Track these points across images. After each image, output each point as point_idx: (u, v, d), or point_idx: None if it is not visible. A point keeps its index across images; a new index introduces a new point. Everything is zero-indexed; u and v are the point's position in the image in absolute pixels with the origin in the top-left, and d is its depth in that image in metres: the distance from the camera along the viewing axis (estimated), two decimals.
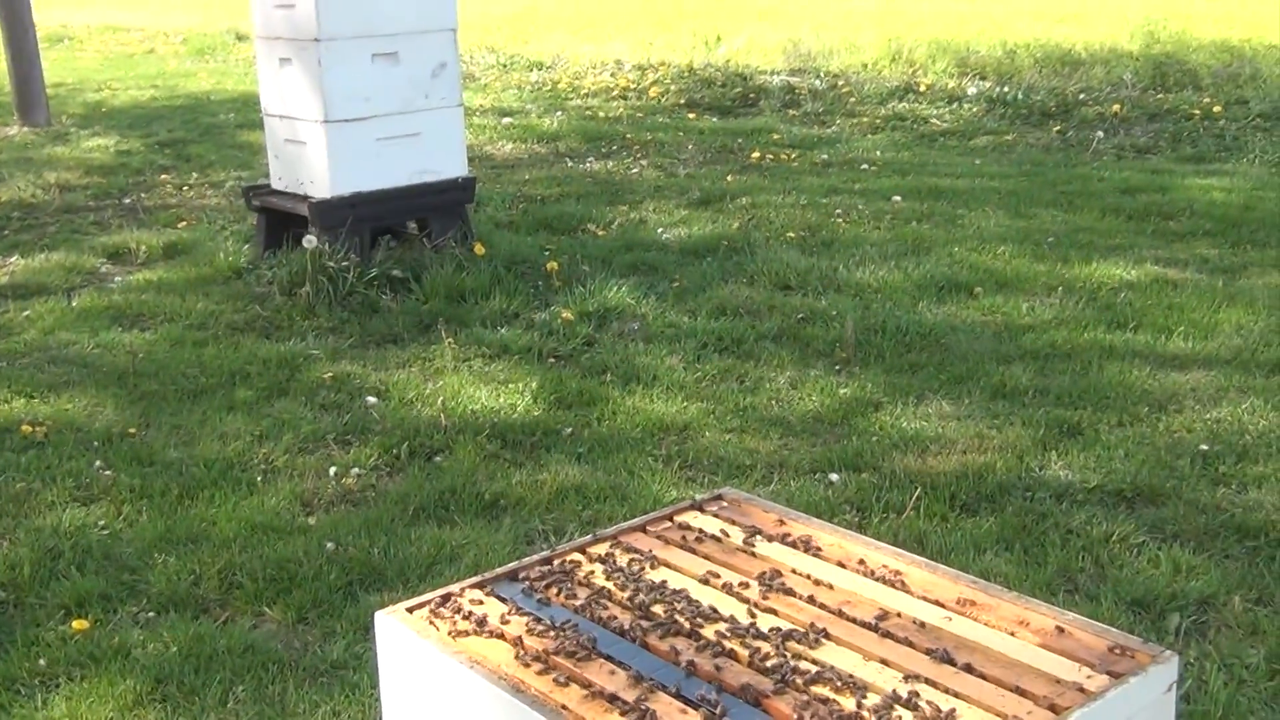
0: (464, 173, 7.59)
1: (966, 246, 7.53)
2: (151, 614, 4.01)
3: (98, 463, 4.99)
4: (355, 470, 4.90)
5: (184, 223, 9.03)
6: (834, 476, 4.64)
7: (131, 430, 5.38)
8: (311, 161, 7.17)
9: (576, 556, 2.12)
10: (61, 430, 5.39)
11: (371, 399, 5.54)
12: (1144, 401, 5.24)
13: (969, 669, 1.76)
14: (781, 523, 2.22)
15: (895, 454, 4.84)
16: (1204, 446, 4.79)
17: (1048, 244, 7.58)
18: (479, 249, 7.30)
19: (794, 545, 2.14)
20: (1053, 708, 1.67)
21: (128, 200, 9.90)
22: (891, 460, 4.78)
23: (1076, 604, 3.78)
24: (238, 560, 4.27)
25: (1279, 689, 3.42)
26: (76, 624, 3.91)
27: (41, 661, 3.75)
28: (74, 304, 7.20)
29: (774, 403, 5.44)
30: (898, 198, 8.80)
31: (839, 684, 1.72)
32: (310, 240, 6.90)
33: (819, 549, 2.12)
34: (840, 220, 8.28)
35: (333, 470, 4.93)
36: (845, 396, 5.44)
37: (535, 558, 2.14)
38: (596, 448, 5.04)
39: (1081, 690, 1.71)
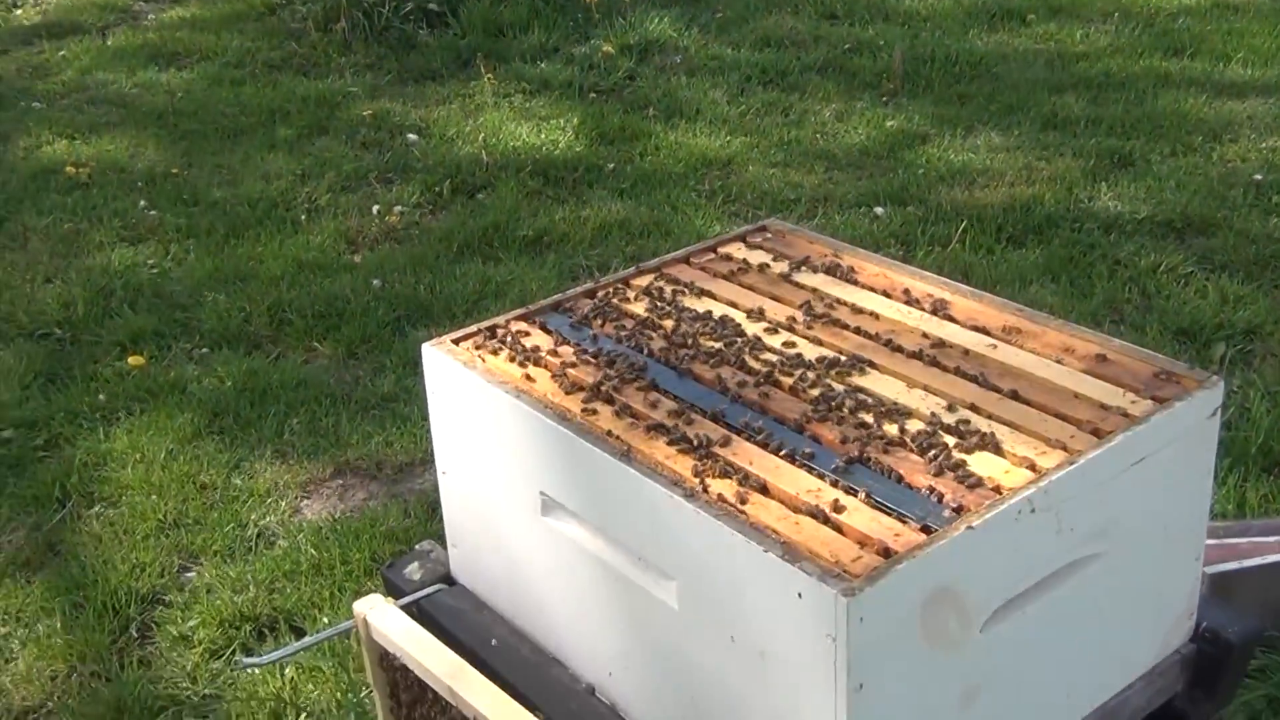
0: None
1: None
2: (205, 350, 4.09)
3: (142, 203, 5.01)
4: (398, 208, 4.90)
5: None
6: (879, 210, 4.60)
7: (174, 170, 5.38)
8: None
9: (621, 288, 2.12)
10: (105, 171, 5.39)
11: (412, 136, 5.49)
12: (1198, 131, 5.12)
13: (1014, 395, 1.76)
14: (826, 253, 2.20)
15: (942, 187, 4.78)
16: (1258, 176, 4.70)
17: None
18: None
19: (838, 275, 2.12)
20: (1096, 432, 1.68)
21: None
22: (938, 193, 4.73)
23: (1122, 334, 3.77)
24: (286, 297, 4.31)
25: None
26: (133, 360, 4.00)
27: (101, 396, 3.84)
28: (109, 42, 7.10)
29: (819, 136, 5.36)
30: None
31: (883, 410, 1.73)
32: None
33: (863, 279, 2.11)
34: None
35: (375, 209, 4.93)
36: (892, 129, 5.35)
37: (580, 289, 2.13)
38: (639, 183, 5.00)
39: (1125, 415, 1.71)
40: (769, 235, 2.31)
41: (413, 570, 2.16)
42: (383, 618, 2.00)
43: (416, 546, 2.21)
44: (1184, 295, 4.00)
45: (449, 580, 2.13)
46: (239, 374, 3.89)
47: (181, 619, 2.97)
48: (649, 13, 6.77)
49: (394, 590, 2.14)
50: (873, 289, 2.10)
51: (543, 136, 5.46)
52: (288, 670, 2.75)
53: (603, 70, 6.17)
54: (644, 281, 2.15)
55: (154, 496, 3.37)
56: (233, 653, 2.86)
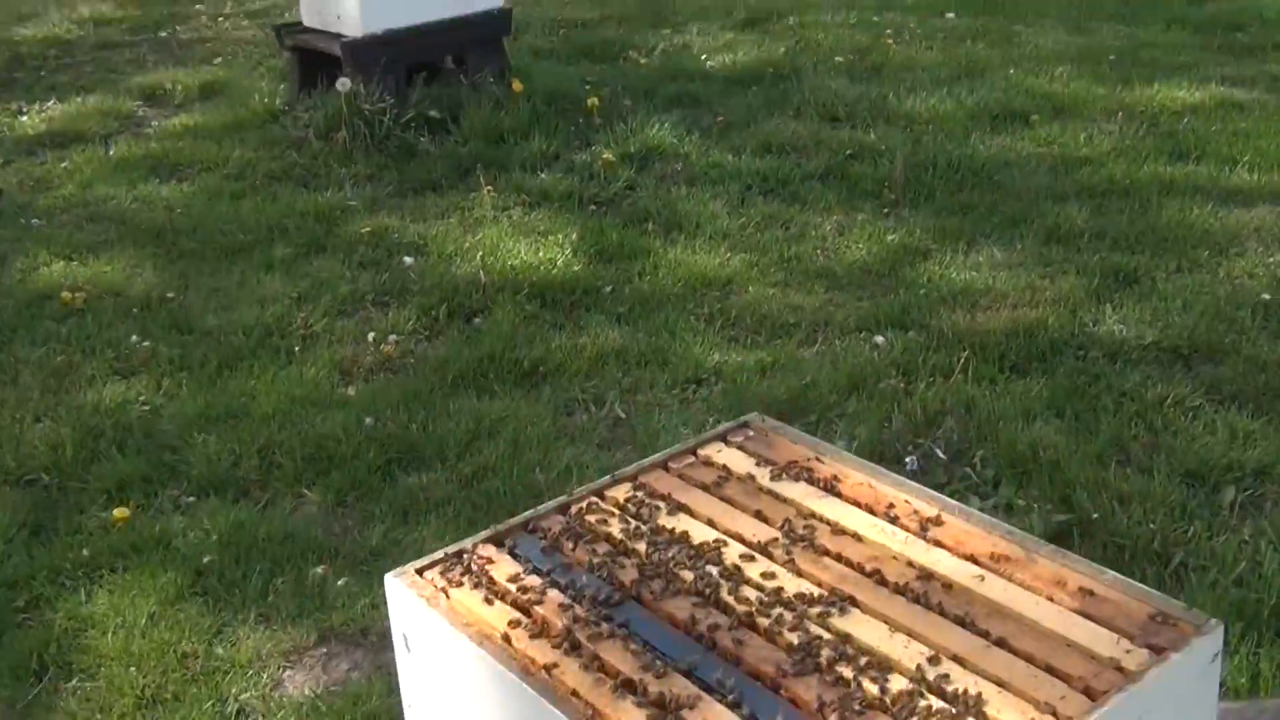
0: (500, 3, 7.32)
1: (1023, 68, 7.22)
2: (191, 498, 4.01)
3: (133, 337, 4.94)
4: (393, 337, 4.84)
5: (219, 58, 8.85)
6: (879, 339, 4.51)
7: (170, 294, 5.33)
8: None
9: (594, 501, 2.04)
10: (101, 296, 5.34)
11: (408, 259, 5.44)
12: (1204, 244, 5.04)
13: (1001, 643, 1.67)
14: (808, 457, 2.12)
15: (943, 309, 4.70)
16: (1266, 296, 4.61)
17: (1109, 62, 7.26)
18: (517, 85, 7.08)
19: (822, 486, 2.04)
20: (1088, 691, 1.59)
21: (163, 34, 9.70)
22: (939, 317, 4.65)
23: (1129, 477, 3.68)
24: (277, 438, 4.24)
25: None
26: (118, 513, 3.91)
27: (85, 552, 3.76)
28: (111, 153, 7.10)
29: (820, 252, 5.29)
30: (951, 14, 8.43)
31: (863, 663, 1.64)
32: (344, 83, 6.71)
33: (847, 490, 2.03)
34: (891, 42, 7.96)
35: (371, 336, 4.87)
36: (893, 244, 5.28)
37: (553, 504, 2.06)
38: (637, 307, 4.94)
39: (1119, 669, 1.62)
40: (750, 434, 2.23)
41: None
42: None
43: None
44: (1192, 431, 3.90)
45: None
46: (225, 526, 3.81)
47: None
48: (650, 117, 6.74)
49: None
50: (856, 503, 2.02)
51: (541, 255, 5.41)
52: None
53: (602, 180, 6.14)
54: (620, 493, 2.08)
55: (133, 669, 3.28)
56: None
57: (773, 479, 2.07)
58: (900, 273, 5.04)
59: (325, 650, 3.35)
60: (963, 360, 4.28)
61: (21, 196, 6.58)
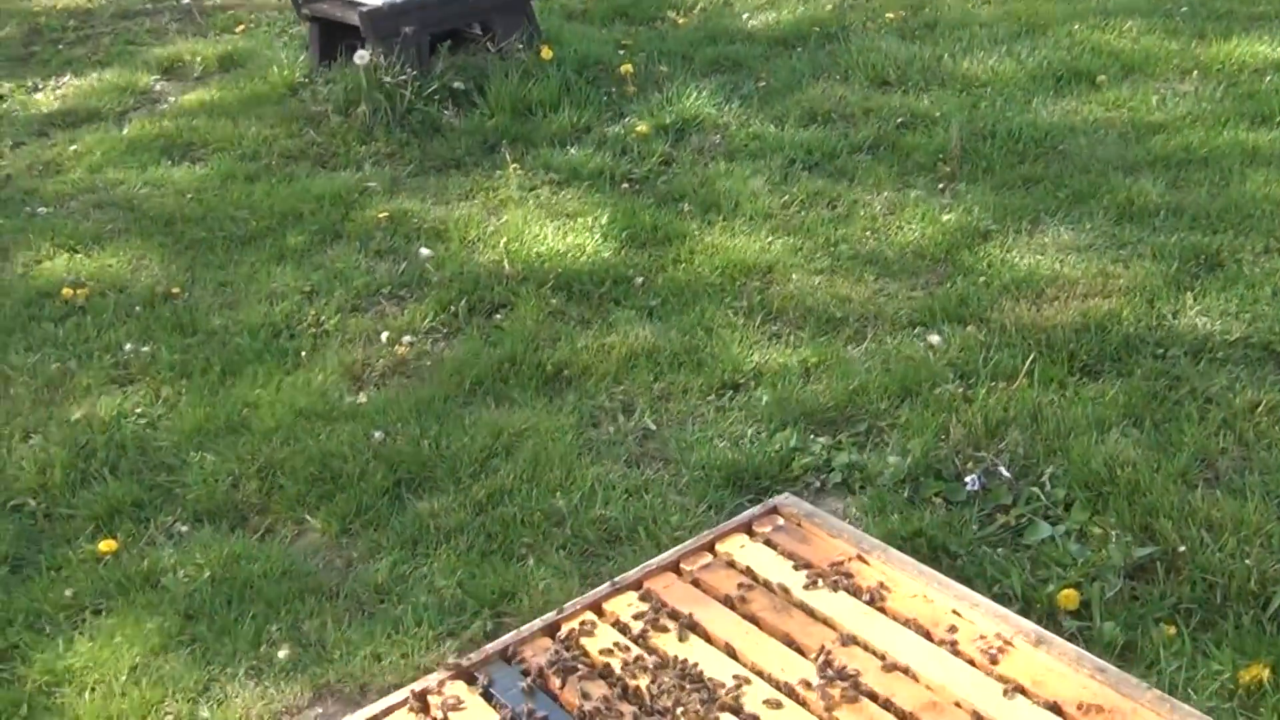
0: None
1: (1088, 22, 6.72)
2: (185, 527, 3.70)
3: (127, 345, 4.60)
4: (408, 338, 4.49)
5: (242, 26, 8.49)
6: (934, 337, 4.11)
7: (175, 290, 5.01)
8: None
9: (589, 619, 1.68)
10: (104, 293, 5.03)
11: (426, 251, 5.07)
12: None
13: None
14: (849, 555, 1.75)
15: (1005, 300, 4.28)
16: None
17: (1180, 15, 6.75)
18: (546, 52, 6.68)
19: (867, 599, 1.67)
20: None
21: (185, 1, 9.35)
22: (1001, 309, 4.23)
23: (1219, 500, 3.28)
24: (279, 456, 3.91)
25: None
26: (105, 545, 3.61)
27: (68, 592, 3.46)
28: (125, 133, 6.77)
29: (869, 234, 4.88)
30: None
31: None
32: (363, 56, 6.33)
33: (897, 605, 1.66)
34: None
35: (385, 335, 4.52)
36: (949, 224, 4.86)
37: (539, 623, 1.70)
38: (671, 299, 4.56)
39: None
40: (781, 524, 1.86)
41: None
42: None
43: None
44: None
45: None
46: (219, 561, 3.49)
47: None
48: (688, 84, 6.33)
49: None
50: (909, 622, 1.64)
51: (569, 240, 5.03)
52: None
53: (636, 155, 5.74)
54: (621, 607, 1.71)
55: None
56: None
57: (807, 588, 1.70)
58: (957, 257, 4.62)
59: (320, 711, 3.03)
60: (1028, 361, 3.88)
61: (30, 181, 6.28)
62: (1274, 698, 2.72)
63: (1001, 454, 3.56)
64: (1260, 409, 3.61)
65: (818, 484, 3.59)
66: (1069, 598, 3.02)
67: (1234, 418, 3.60)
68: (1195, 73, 5.97)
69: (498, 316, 4.61)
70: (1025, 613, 3.04)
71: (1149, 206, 4.79)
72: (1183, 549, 3.11)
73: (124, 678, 3.14)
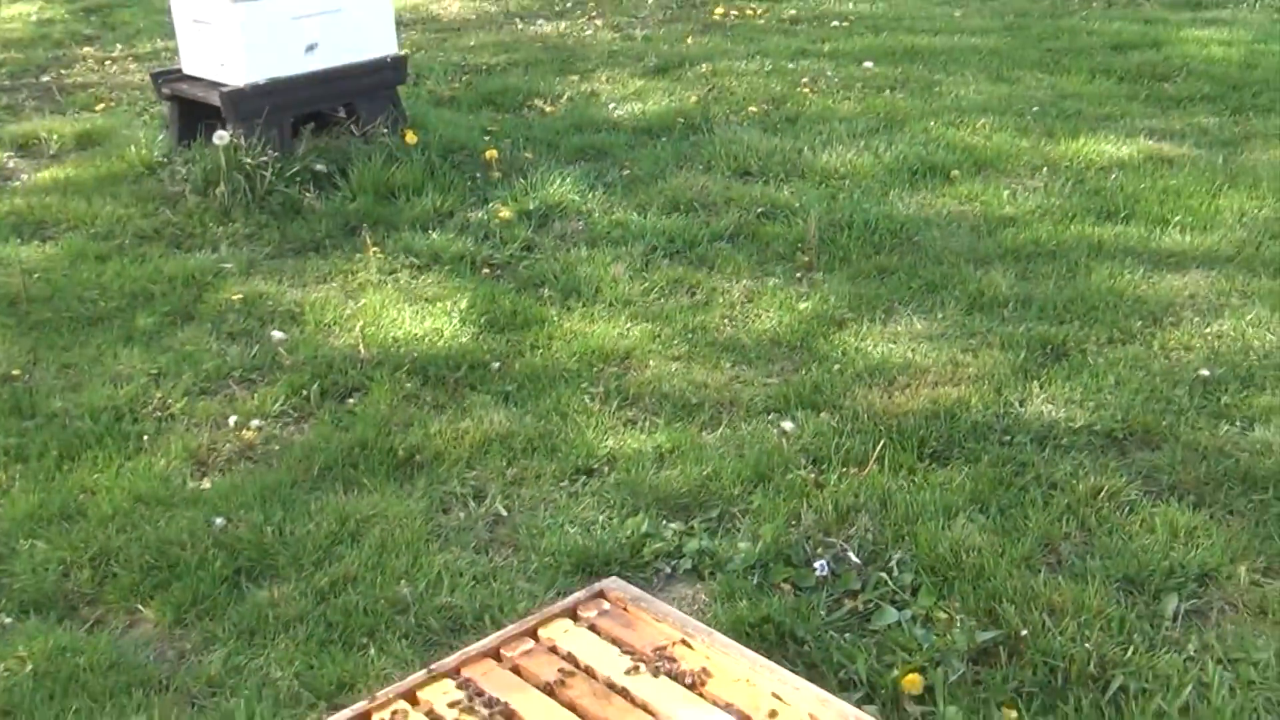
0: (394, 50, 6.90)
1: (943, 120, 6.91)
2: (9, 619, 3.52)
3: None
4: (255, 422, 4.38)
5: (102, 105, 8.37)
6: (788, 424, 4.12)
7: (15, 372, 4.83)
8: (222, 44, 6.48)
9: (403, 707, 1.62)
10: None
11: (278, 334, 4.97)
12: (1136, 313, 4.71)
13: None
14: (673, 640, 1.71)
15: (858, 388, 4.32)
16: (1204, 371, 4.28)
17: (1031, 114, 6.97)
18: (411, 136, 6.66)
19: (688, 683, 1.63)
20: None
21: (46, 79, 9.20)
22: (854, 396, 4.26)
23: (1060, 585, 3.31)
24: (114, 544, 3.77)
25: None
26: None
27: None
28: None
29: (727, 322, 4.90)
30: (869, 63, 8.12)
31: None
32: (222, 136, 6.25)
33: (718, 689, 1.62)
34: (807, 90, 7.63)
35: (233, 420, 4.41)
36: (805, 312, 4.90)
37: (348, 714, 1.63)
38: (527, 384, 4.52)
39: None
40: (606, 608, 1.81)
41: None
42: None
43: None
44: (1129, 528, 3.54)
45: None
46: (43, 653, 3.33)
47: None
48: (552, 171, 6.35)
49: None
50: (729, 707, 1.61)
51: (427, 324, 4.98)
52: None
53: (498, 240, 5.73)
54: (434, 695, 1.65)
55: None
56: None
57: (628, 673, 1.65)
58: (813, 345, 4.66)
59: None
60: (879, 447, 3.90)
61: None
62: None
63: (851, 539, 3.56)
64: (1102, 494, 3.67)
65: (668, 570, 3.56)
66: (913, 682, 3.01)
67: (1077, 503, 3.65)
68: (1045, 169, 6.15)
69: (350, 401, 4.52)
70: (869, 698, 3.03)
71: (998, 297, 4.89)
72: (1025, 633, 3.13)
73: None
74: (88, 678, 3.26)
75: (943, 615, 3.26)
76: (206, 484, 4.10)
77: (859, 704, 2.88)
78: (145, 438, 4.32)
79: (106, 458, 4.22)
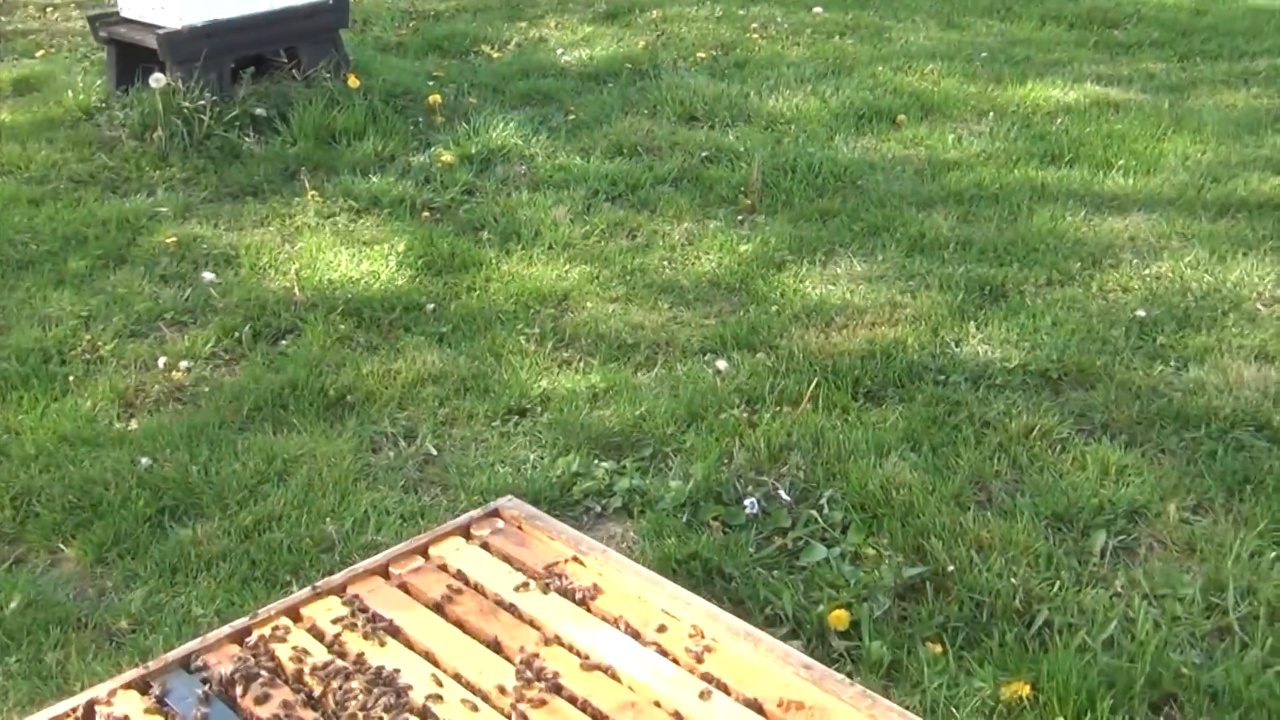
0: None
1: (892, 65, 6.86)
2: None
3: None
4: (186, 363, 4.31)
5: (42, 51, 8.20)
6: (723, 363, 4.09)
7: None
8: None
9: (283, 625, 1.58)
10: None
11: (209, 275, 4.89)
12: (1076, 255, 4.70)
13: None
14: (565, 557, 1.68)
15: (795, 328, 4.29)
16: (1141, 312, 4.27)
17: (980, 60, 6.93)
18: (353, 80, 6.56)
19: (578, 599, 1.60)
20: None
21: None
22: (791, 337, 4.24)
23: (990, 521, 3.30)
24: (37, 484, 3.70)
25: (1216, 628, 2.95)
26: None
27: None
28: None
29: (666, 264, 4.86)
30: (819, 8, 8.05)
31: None
32: (159, 79, 6.13)
33: (608, 605, 1.59)
34: (756, 35, 7.56)
35: (162, 361, 4.33)
36: (746, 254, 4.86)
37: (227, 630, 1.59)
38: (462, 325, 4.46)
39: None
40: (500, 526, 1.77)
41: None
42: None
43: None
44: (1060, 466, 3.53)
45: None
46: None
47: None
48: (496, 115, 6.27)
49: None
50: (618, 622, 1.57)
51: (363, 267, 4.91)
52: None
53: (440, 184, 5.65)
54: (319, 612, 1.61)
55: None
56: None
57: (517, 590, 1.62)
58: (751, 287, 4.62)
59: None
60: (813, 387, 3.87)
61: None
62: (1032, 714, 2.72)
63: (782, 478, 3.54)
64: (1034, 434, 3.66)
65: (598, 509, 3.53)
66: (839, 618, 3.00)
67: (1009, 442, 3.63)
68: (991, 114, 6.12)
69: (283, 343, 4.46)
70: (795, 634, 3.02)
71: (939, 239, 4.86)
72: (952, 569, 3.12)
73: None
74: (4, 616, 3.20)
75: (871, 552, 3.24)
76: (134, 425, 4.03)
77: (784, 639, 2.86)
78: (72, 379, 4.25)
79: (32, 399, 4.14)
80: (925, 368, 4.01)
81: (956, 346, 4.13)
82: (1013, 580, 3.09)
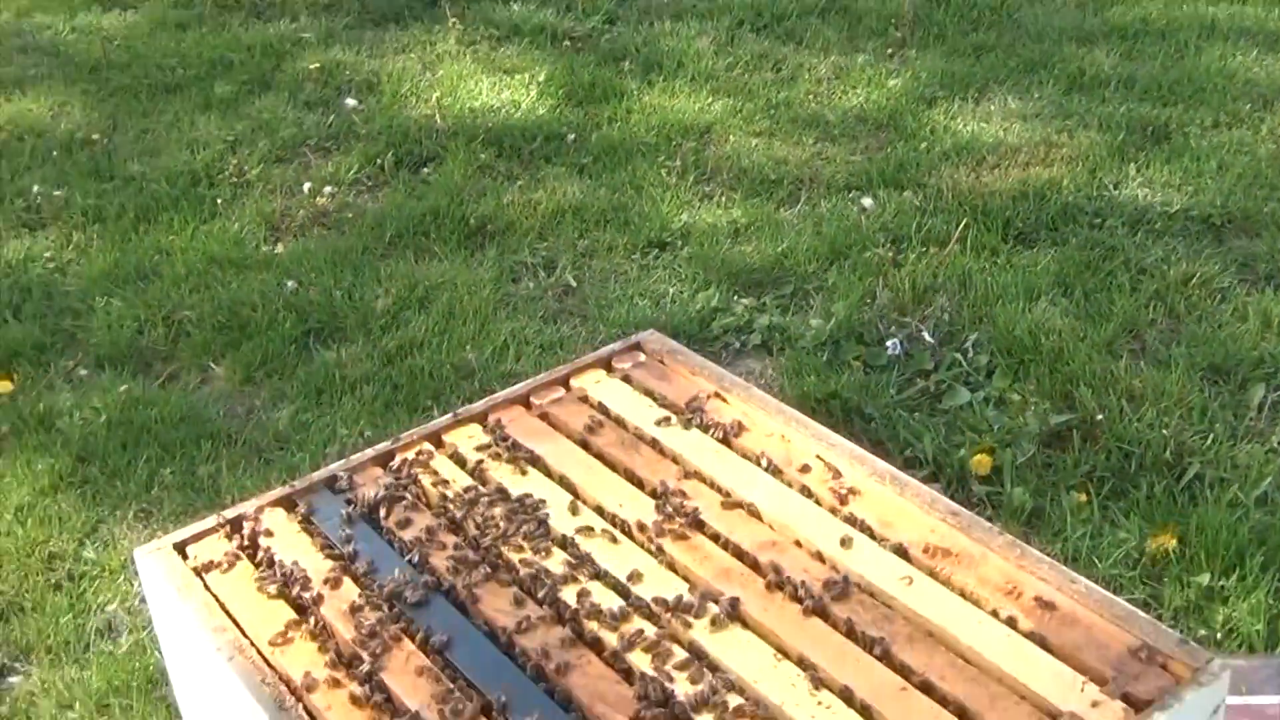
0: None
1: None
2: (85, 372, 3.58)
3: (35, 189, 4.43)
4: (330, 189, 4.34)
5: None
6: (868, 200, 3.99)
7: (95, 136, 4.83)
8: None
9: (426, 449, 1.58)
10: (21, 137, 4.86)
11: (351, 101, 4.89)
12: (1246, 96, 4.45)
13: (925, 687, 1.22)
14: (708, 393, 1.65)
15: (945, 166, 4.16)
16: None
17: None
18: None
19: (720, 436, 1.57)
20: None
21: None
22: (940, 175, 4.11)
23: (1141, 370, 3.19)
24: (188, 303, 3.79)
25: None
26: (1, 385, 3.49)
27: None
28: None
29: (812, 98, 4.72)
30: None
31: (732, 708, 1.20)
32: None
33: (751, 443, 1.56)
34: None
35: (307, 187, 4.37)
36: (895, 89, 4.71)
37: (371, 453, 1.60)
38: (603, 157, 4.41)
39: None
40: (642, 359, 1.75)
41: None
42: None
43: None
44: (1219, 316, 3.39)
45: None
46: (117, 404, 3.38)
47: None
48: None
49: None
50: (760, 460, 1.54)
51: (504, 96, 4.86)
52: None
53: (580, 13, 5.54)
54: (461, 439, 1.61)
55: None
56: None
57: (659, 424, 1.59)
58: (900, 123, 4.48)
59: None
60: (961, 227, 3.76)
61: None
62: (1177, 568, 2.65)
63: (927, 320, 3.46)
64: (1193, 281, 3.51)
65: (737, 345, 3.50)
66: (981, 463, 2.95)
67: (1166, 289, 3.50)
68: None
69: (425, 170, 4.46)
70: (935, 477, 2.98)
71: (1100, 77, 4.65)
72: (1100, 417, 3.03)
73: (9, 517, 3.05)
74: (159, 429, 3.30)
75: (1016, 398, 3.17)
76: (279, 248, 4.08)
77: (923, 482, 2.83)
78: (220, 202, 4.31)
79: (182, 220, 4.22)
80: (1080, 210, 3.86)
81: (1114, 189, 3.96)
82: (1164, 431, 2.99)
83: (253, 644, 1.34)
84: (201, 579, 1.42)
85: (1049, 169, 4.08)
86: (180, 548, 1.47)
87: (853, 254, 3.76)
